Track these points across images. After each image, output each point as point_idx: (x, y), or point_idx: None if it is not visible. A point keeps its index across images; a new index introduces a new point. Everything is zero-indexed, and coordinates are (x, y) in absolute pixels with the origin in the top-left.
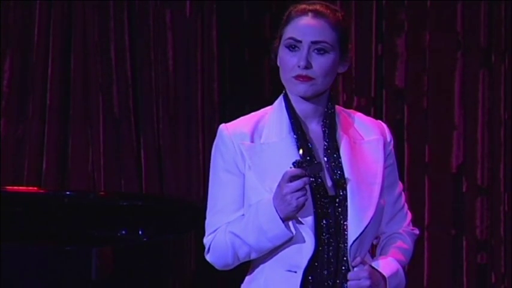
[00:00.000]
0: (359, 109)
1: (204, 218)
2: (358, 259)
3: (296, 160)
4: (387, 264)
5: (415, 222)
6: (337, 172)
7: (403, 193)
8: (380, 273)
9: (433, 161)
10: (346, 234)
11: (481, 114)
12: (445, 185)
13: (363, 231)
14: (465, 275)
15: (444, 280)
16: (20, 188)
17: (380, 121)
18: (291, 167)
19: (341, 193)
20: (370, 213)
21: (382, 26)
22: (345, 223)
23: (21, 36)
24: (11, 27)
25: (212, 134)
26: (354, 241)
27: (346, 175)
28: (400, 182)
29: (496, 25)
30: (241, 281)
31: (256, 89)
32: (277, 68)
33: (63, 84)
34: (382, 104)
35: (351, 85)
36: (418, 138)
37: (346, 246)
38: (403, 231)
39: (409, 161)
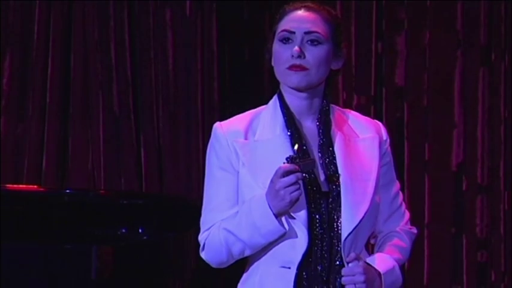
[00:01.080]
0: (359, 107)
1: None
2: (353, 255)
3: (289, 156)
4: (383, 261)
5: (415, 220)
6: (331, 168)
7: (400, 192)
8: (375, 269)
9: (433, 159)
10: (340, 230)
11: (481, 112)
12: (445, 183)
13: (356, 226)
14: (465, 273)
15: (444, 278)
16: (20, 186)
17: (376, 120)
18: (284, 163)
19: (334, 189)
20: (364, 208)
21: (382, 24)
22: (339, 219)
23: (21, 36)
24: (11, 27)
25: None
26: (348, 236)
27: (340, 171)
28: (397, 181)
29: (496, 23)
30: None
31: (256, 89)
32: (273, 69)
33: (63, 83)
34: (382, 102)
35: (351, 83)
36: (418, 136)
37: (340, 241)
38: (400, 230)
39: (409, 159)
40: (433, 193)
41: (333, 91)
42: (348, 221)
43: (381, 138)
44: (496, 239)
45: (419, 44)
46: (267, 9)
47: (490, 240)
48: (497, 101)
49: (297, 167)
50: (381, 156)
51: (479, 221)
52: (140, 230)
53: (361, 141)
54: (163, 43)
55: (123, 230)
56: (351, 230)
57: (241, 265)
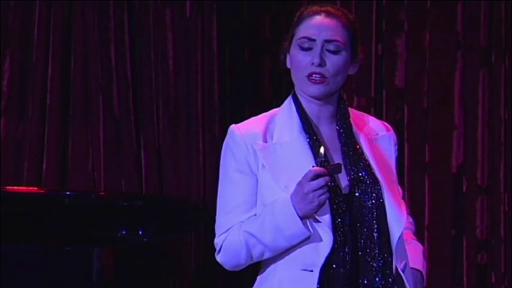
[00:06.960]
0: (359, 109)
1: (204, 218)
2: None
3: (319, 160)
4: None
5: (415, 222)
6: (359, 169)
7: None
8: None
9: (433, 161)
10: (389, 232)
11: (481, 114)
12: (445, 185)
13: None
14: (465, 275)
15: (444, 280)
16: (20, 188)
17: (383, 121)
18: (313, 166)
19: (357, 192)
20: (404, 208)
21: (382, 26)
22: (381, 220)
23: (21, 36)
24: (11, 27)
25: (212, 134)
26: (399, 238)
27: (377, 173)
28: None
29: (496, 25)
30: (241, 281)
31: (256, 89)
32: (283, 70)
33: (63, 84)
34: (382, 104)
35: (351, 85)
36: (418, 138)
37: (386, 243)
38: (410, 239)
39: (409, 161)
40: (433, 195)
41: None
42: (396, 223)
43: (393, 138)
44: (496, 240)
45: (420, 46)
46: (268, 9)
47: (490, 242)
48: (498, 103)
49: (325, 170)
50: (395, 157)
51: (480, 223)
52: (140, 232)
53: (381, 139)
54: (163, 43)
55: (123, 232)
56: (400, 232)
57: (246, 267)
